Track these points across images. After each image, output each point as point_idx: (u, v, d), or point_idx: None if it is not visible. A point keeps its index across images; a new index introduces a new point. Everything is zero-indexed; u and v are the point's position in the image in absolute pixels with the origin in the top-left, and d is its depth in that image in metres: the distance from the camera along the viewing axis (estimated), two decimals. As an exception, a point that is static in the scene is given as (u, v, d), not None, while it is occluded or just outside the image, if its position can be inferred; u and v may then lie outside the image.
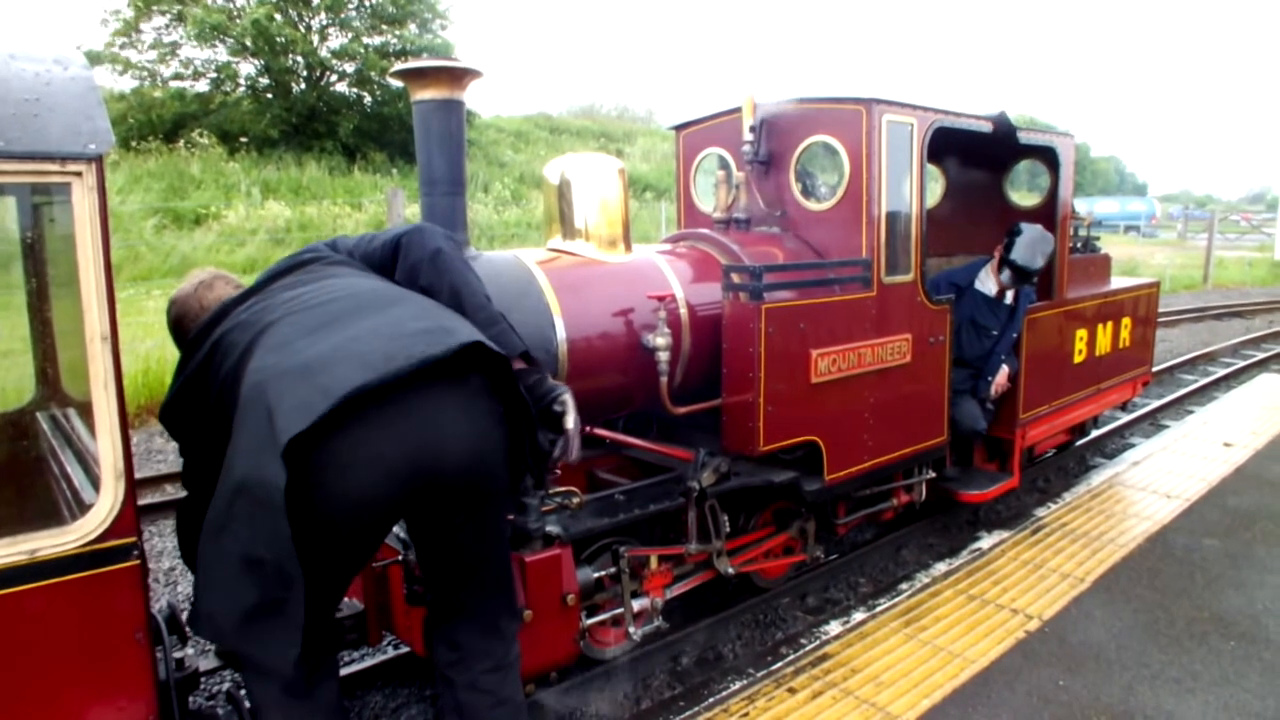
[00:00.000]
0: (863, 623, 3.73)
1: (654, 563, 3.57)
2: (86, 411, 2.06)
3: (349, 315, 2.10)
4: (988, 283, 5.14)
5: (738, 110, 4.43)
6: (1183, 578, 4.12)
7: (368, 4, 22.86)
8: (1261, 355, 11.71)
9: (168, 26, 21.55)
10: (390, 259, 2.48)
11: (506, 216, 19.72)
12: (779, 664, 3.42)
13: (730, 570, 3.84)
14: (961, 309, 4.92)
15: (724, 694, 3.24)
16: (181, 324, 2.57)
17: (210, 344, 2.21)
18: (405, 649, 3.78)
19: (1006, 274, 4.99)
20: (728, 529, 3.78)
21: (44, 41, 2.06)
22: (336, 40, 22.74)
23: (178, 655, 2.72)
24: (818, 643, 3.58)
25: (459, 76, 3.14)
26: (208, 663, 3.02)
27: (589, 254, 3.70)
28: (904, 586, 4.19)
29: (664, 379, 3.55)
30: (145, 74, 21.69)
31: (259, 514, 1.86)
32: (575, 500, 3.26)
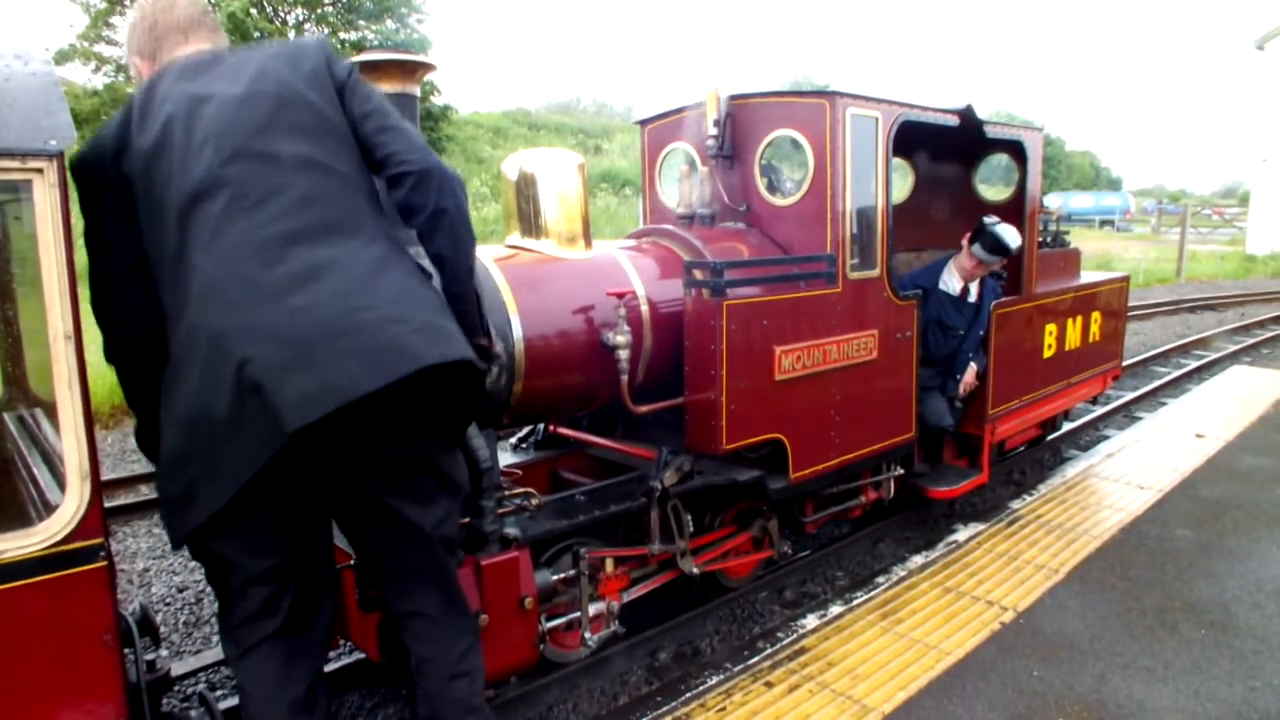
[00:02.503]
0: (839, 616, 3.75)
1: (610, 566, 3.55)
2: (52, 411, 2.03)
3: (324, 266, 1.98)
4: (951, 282, 5.16)
5: (702, 105, 4.41)
6: (1155, 567, 4.17)
7: (344, -2, 22.70)
8: (1234, 347, 11.87)
9: (141, 21, 21.29)
10: (385, 170, 2.22)
11: (485, 213, 19.64)
12: (756, 658, 3.43)
13: (695, 570, 3.83)
14: (927, 311, 4.92)
15: (701, 689, 3.24)
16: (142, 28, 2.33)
17: (142, 114, 2.11)
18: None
19: (978, 247, 4.92)
20: (691, 528, 3.77)
21: (4, 37, 2.03)
22: (312, 35, 22.57)
23: (149, 657, 2.69)
24: (795, 637, 3.59)
25: (411, 70, 3.08)
26: (181, 665, 2.99)
27: (548, 251, 3.65)
28: (880, 580, 4.21)
29: (624, 377, 3.51)
30: (118, 69, 21.41)
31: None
32: (534, 501, 3.25)
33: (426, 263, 2.34)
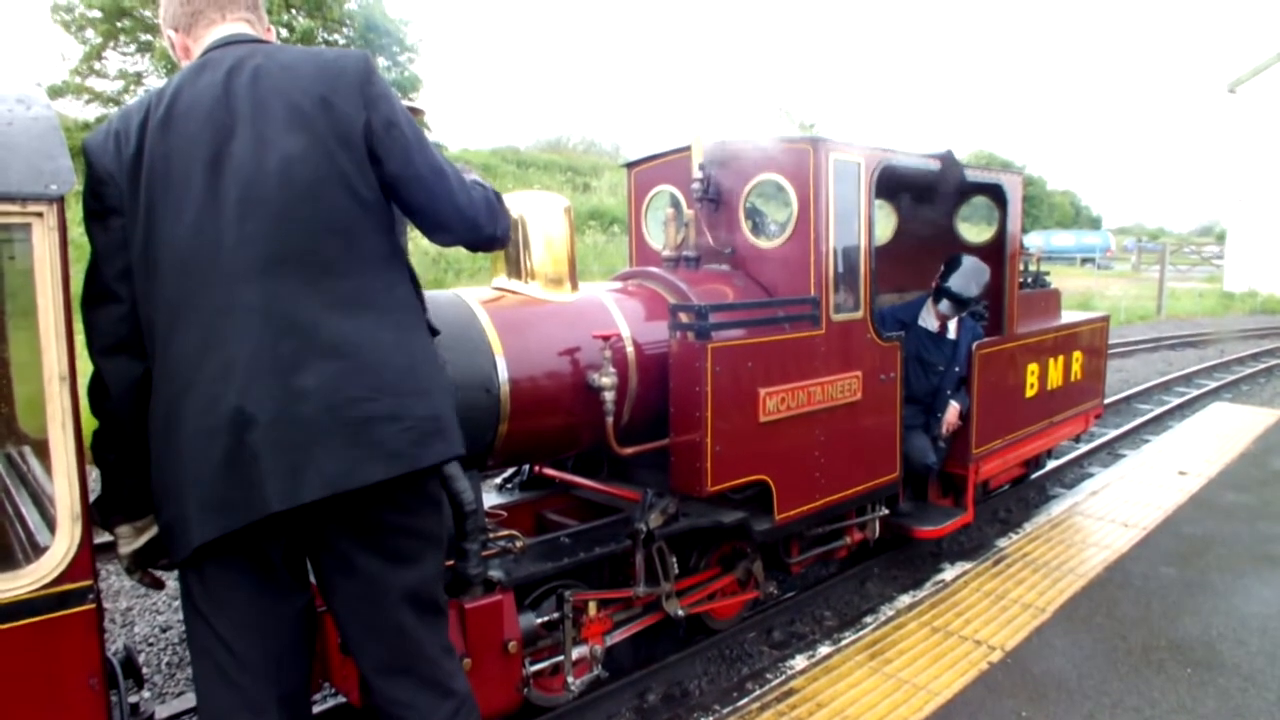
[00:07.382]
0: (828, 657, 3.74)
1: (593, 609, 3.53)
2: (43, 451, 2.03)
3: (334, 347, 1.95)
4: (929, 319, 5.24)
5: (688, 149, 4.48)
6: (1140, 606, 4.19)
7: (336, 37, 22.90)
8: (1214, 384, 12.01)
9: (133, 55, 21.44)
10: (421, 226, 2.21)
11: (474, 249, 19.67)
12: (745, 700, 3.42)
13: (680, 612, 3.82)
14: (907, 346, 4.97)
15: (690, 730, 3.23)
16: None
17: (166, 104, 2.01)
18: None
19: (944, 303, 5.09)
20: (676, 570, 3.76)
21: (6, 79, 2.05)
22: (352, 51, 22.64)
23: (133, 700, 2.66)
24: (783, 678, 3.58)
25: None
26: (164, 709, 2.95)
27: (534, 293, 3.67)
28: (868, 619, 4.21)
29: (610, 419, 3.52)
30: (111, 104, 21.49)
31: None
32: (518, 543, 3.24)
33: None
